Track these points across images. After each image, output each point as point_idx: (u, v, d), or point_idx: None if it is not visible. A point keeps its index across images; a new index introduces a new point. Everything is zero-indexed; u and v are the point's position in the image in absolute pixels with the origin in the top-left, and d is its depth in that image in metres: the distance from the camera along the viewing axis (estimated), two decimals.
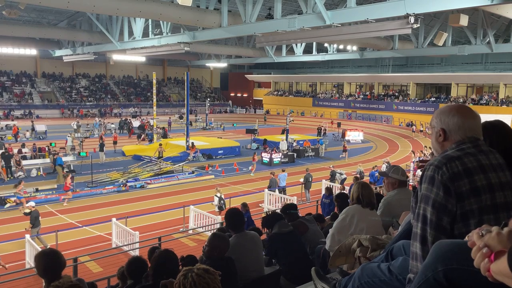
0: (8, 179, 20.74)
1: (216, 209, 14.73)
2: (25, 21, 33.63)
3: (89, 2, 17.49)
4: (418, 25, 15.15)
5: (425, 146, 28.91)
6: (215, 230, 9.62)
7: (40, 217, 12.49)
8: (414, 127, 40.13)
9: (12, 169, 21.21)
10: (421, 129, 39.64)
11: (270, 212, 5.37)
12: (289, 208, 5.40)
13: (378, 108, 47.83)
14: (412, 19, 14.25)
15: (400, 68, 49.34)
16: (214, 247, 3.55)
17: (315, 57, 36.81)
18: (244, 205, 11.50)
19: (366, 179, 18.65)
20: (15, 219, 14.77)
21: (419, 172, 18.20)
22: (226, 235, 3.91)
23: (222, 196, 15.06)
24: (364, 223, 3.43)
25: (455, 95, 43.47)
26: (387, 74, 49.10)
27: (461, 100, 41.06)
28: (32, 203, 13.02)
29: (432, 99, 44.58)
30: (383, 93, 50.05)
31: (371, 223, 3.48)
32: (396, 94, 48.47)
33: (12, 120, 36.06)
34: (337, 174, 19.56)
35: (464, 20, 17.02)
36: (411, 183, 18.59)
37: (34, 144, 25.70)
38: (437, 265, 1.35)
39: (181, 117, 44.79)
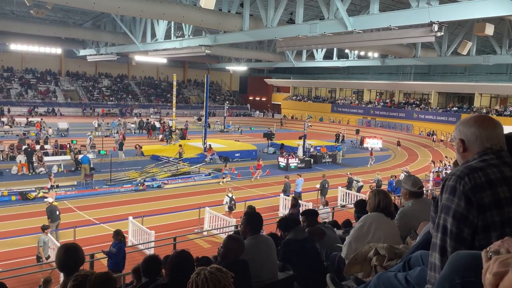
0: (30, 174, 21.27)
1: (226, 209, 14.92)
2: (52, 20, 34.51)
3: (114, 4, 17.85)
4: (442, 33, 14.92)
5: (446, 156, 28.39)
6: (230, 233, 9.65)
7: (58, 213, 12.78)
8: (435, 136, 39.45)
9: (34, 164, 21.73)
10: (442, 138, 38.93)
11: (287, 216, 5.33)
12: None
13: (398, 116, 47.21)
14: (436, 27, 14.05)
15: (422, 76, 48.61)
16: (229, 249, 3.56)
17: (335, 63, 36.62)
18: (117, 233, 9.11)
19: (384, 187, 18.41)
20: (36, 213, 15.13)
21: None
22: (241, 238, 3.92)
23: (233, 197, 15.19)
24: (382, 232, 3.39)
25: (478, 105, 42.57)
26: (409, 82, 48.43)
27: (484, 111, 40.15)
28: (50, 199, 13.38)
29: (454, 108, 43.75)
30: (403, 101, 49.39)
31: (389, 232, 3.43)
32: (417, 102, 47.76)
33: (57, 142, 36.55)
34: (354, 181, 19.37)
35: (489, 30, 16.68)
36: (430, 193, 18.30)
37: (56, 141, 26.29)
38: (455, 277, 1.33)
39: (199, 119, 45.13)
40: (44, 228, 10.75)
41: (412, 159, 32.03)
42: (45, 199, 13.58)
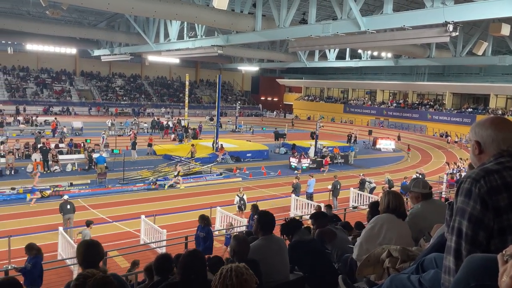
0: (45, 172, 21.60)
1: (236, 209, 15.08)
2: (67, 21, 34.98)
3: (128, 4, 18.03)
4: (457, 34, 14.73)
5: (460, 158, 27.99)
6: (243, 232, 9.66)
7: (69, 207, 13.22)
8: (449, 138, 38.92)
9: (49, 163, 22.05)
10: (456, 140, 38.40)
11: (288, 219, 5.31)
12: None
13: (411, 117, 46.73)
14: (450, 27, 13.88)
15: (436, 76, 48.01)
16: (233, 249, 3.59)
17: (348, 63, 36.42)
18: (30, 247, 7.85)
19: (397, 188, 18.22)
20: (50, 211, 15.37)
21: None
22: (246, 237, 3.92)
23: (244, 197, 15.30)
24: (394, 233, 3.36)
25: (494, 106, 41.88)
26: (422, 83, 47.88)
27: (500, 112, 39.51)
28: (65, 196, 13.99)
29: (469, 110, 43.12)
30: (417, 102, 48.88)
31: (401, 233, 3.41)
32: (431, 103, 47.22)
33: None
34: (366, 182, 19.22)
35: (505, 30, 16.40)
36: (443, 196, 18.09)
37: (71, 139, 26.65)
38: (469, 280, 1.32)
39: (211, 119, 45.31)
40: (88, 224, 11.26)
41: (425, 160, 31.68)
42: (62, 197, 14.16)
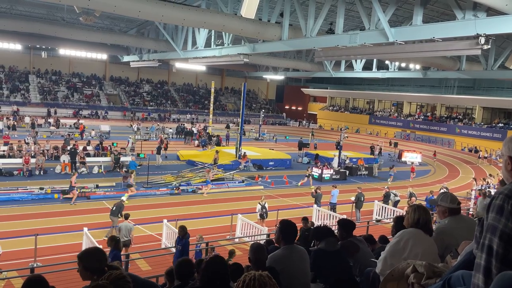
0: (73, 174, 22.15)
1: (258, 217, 15.11)
2: (99, 27, 36.09)
3: (158, 12, 18.45)
4: (489, 46, 14.38)
5: (490, 174, 27.10)
6: (262, 241, 9.63)
7: (115, 208, 13.54)
8: (480, 153, 37.73)
9: (77, 164, 22.63)
10: (486, 155, 37.24)
11: (323, 225, 5.28)
12: None
13: (439, 131, 45.67)
14: (482, 40, 13.56)
15: (466, 90, 46.82)
16: (250, 258, 3.59)
17: (374, 73, 36.04)
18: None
19: (423, 203, 17.74)
20: (77, 211, 15.75)
21: None
22: (261, 245, 3.90)
23: (266, 205, 15.27)
24: (420, 249, 3.28)
25: None
26: (452, 96, 46.78)
27: None
28: (123, 197, 14.94)
29: (500, 124, 41.84)
30: (445, 115, 47.79)
31: (427, 249, 3.32)
32: (460, 117, 46.09)
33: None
34: (391, 195, 18.86)
35: None
36: (471, 212, 17.53)
37: (100, 143, 27.26)
38: None
39: (227, 127, 45.60)
40: (126, 216, 11.88)
41: (453, 175, 30.85)
42: (88, 198, 14.84)
